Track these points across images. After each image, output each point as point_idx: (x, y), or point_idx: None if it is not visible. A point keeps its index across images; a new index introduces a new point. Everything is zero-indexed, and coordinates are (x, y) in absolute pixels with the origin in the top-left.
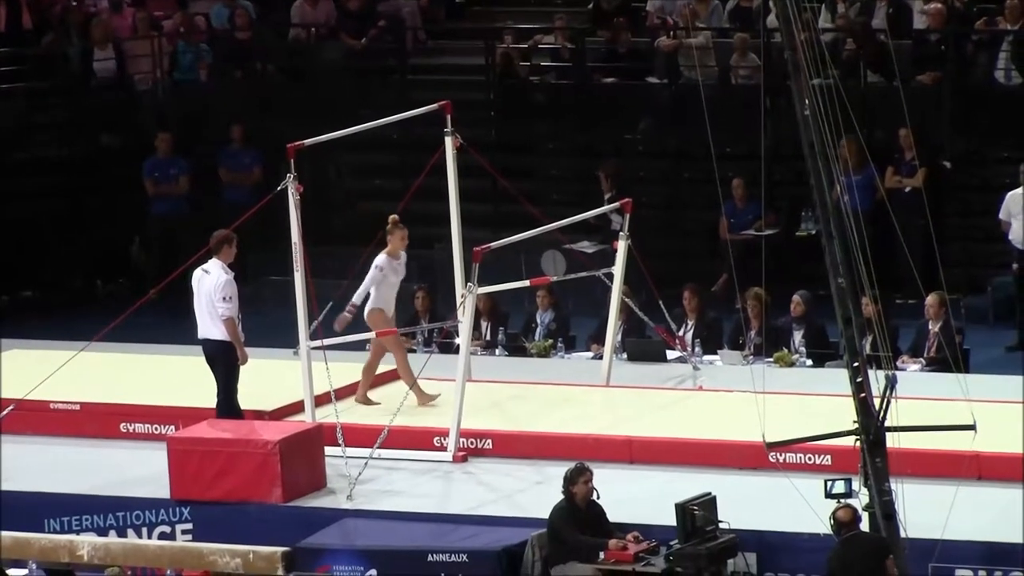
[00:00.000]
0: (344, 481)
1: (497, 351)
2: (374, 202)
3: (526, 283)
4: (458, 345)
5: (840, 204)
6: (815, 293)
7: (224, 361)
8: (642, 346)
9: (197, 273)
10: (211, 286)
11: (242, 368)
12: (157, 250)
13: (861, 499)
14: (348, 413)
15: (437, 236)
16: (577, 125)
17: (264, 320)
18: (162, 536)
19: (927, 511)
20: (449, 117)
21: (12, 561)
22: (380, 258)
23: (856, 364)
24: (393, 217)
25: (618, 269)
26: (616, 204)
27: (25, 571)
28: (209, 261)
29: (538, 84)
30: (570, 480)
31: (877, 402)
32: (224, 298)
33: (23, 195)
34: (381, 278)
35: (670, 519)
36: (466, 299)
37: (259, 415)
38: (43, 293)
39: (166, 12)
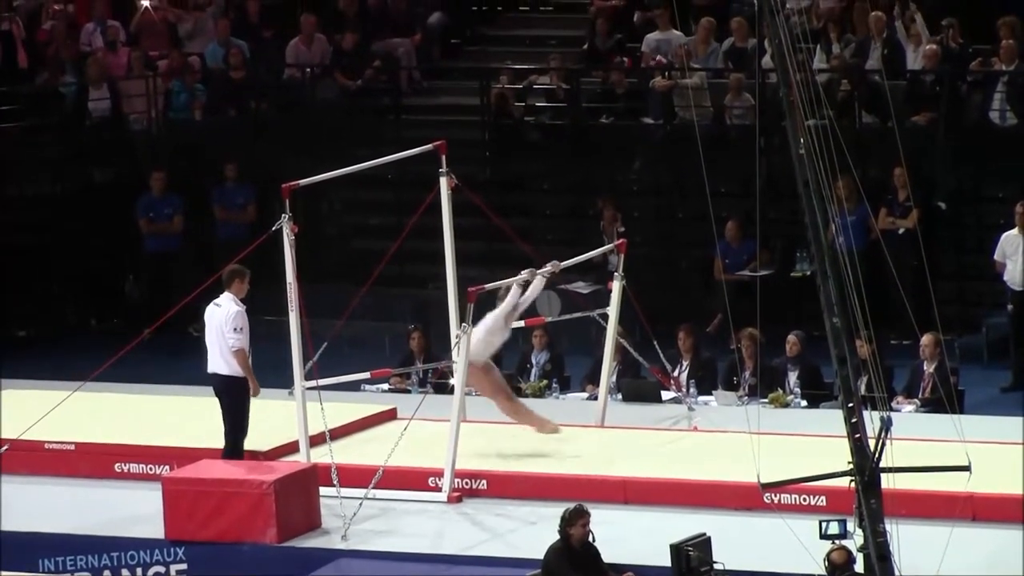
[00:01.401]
0: (339, 521)
1: None
2: (368, 240)
3: (521, 324)
4: (453, 385)
5: (835, 244)
6: (810, 334)
7: (231, 396)
8: (637, 387)
9: (209, 308)
10: (222, 318)
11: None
12: (151, 288)
13: (856, 540)
14: (343, 453)
15: (431, 275)
16: (571, 164)
17: (258, 360)
18: None
19: (922, 552)
20: (444, 157)
21: None
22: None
23: (851, 404)
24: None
25: (613, 310)
26: (611, 245)
27: None
28: (221, 295)
29: (533, 123)
30: (568, 521)
31: (872, 443)
32: (235, 329)
33: (16, 232)
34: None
35: (665, 560)
36: (461, 339)
37: (254, 455)
38: (37, 332)
39: (161, 51)
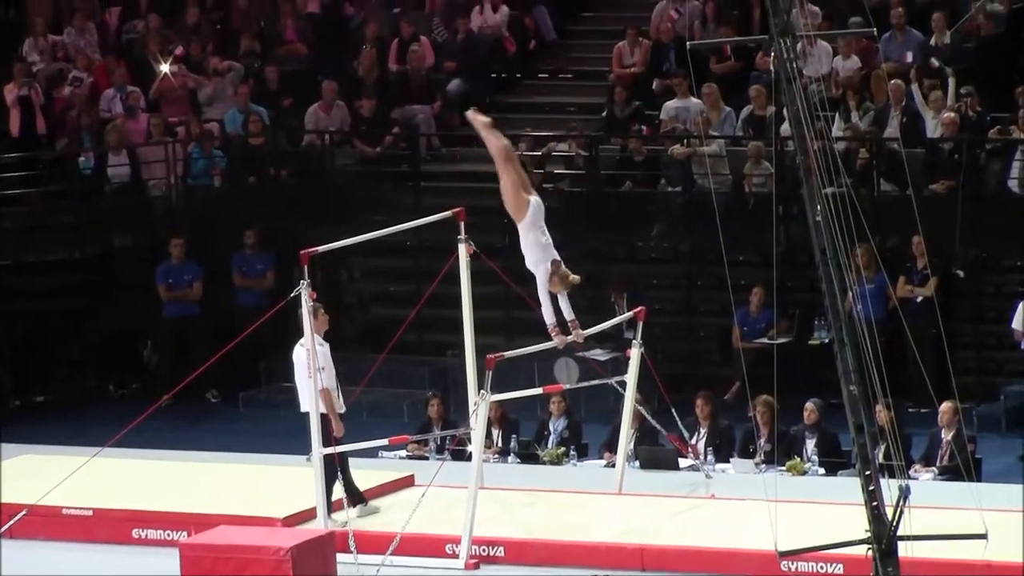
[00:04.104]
0: None
1: (509, 458)
2: (387, 307)
3: (539, 391)
4: (471, 452)
5: (853, 312)
6: (828, 402)
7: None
8: (655, 454)
9: (296, 349)
10: (306, 357)
11: (258, 473)
12: (169, 354)
13: None
14: (361, 520)
15: (450, 343)
16: (590, 231)
17: (277, 426)
18: None
19: None
20: (463, 224)
21: None
22: None
23: (868, 472)
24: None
25: (631, 377)
26: (630, 314)
27: None
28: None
29: (551, 191)
30: None
31: (890, 511)
32: (318, 368)
33: (35, 298)
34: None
35: None
36: (479, 406)
37: (271, 522)
38: (56, 397)
39: (180, 118)
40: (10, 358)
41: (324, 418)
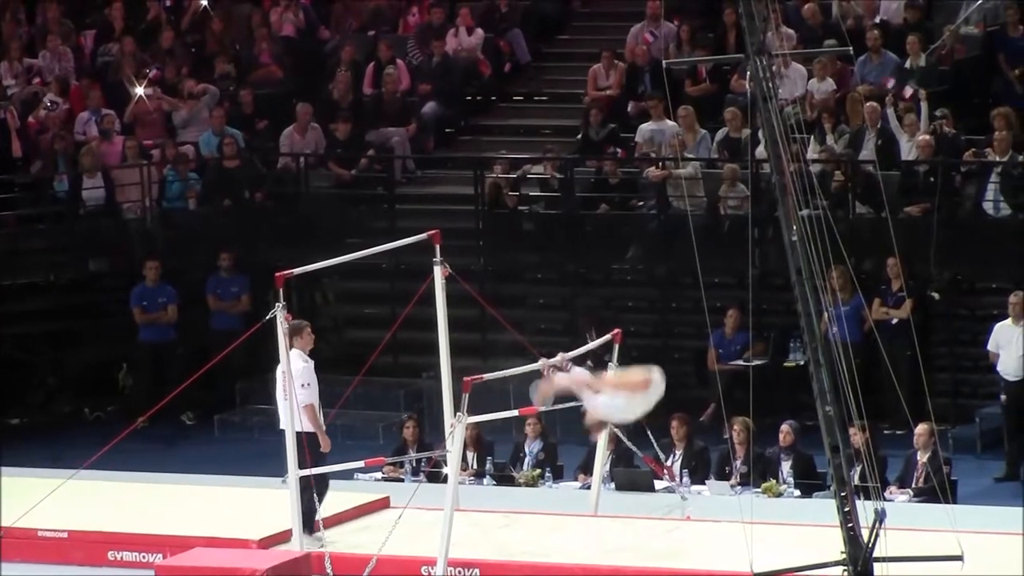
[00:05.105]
0: None
1: (485, 480)
2: (362, 330)
3: (515, 413)
4: (446, 475)
5: (828, 333)
6: (803, 424)
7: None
8: (630, 476)
9: (280, 366)
10: (284, 376)
11: (233, 495)
12: (144, 377)
13: None
14: (337, 542)
15: (425, 365)
16: (565, 254)
17: (252, 448)
18: None
19: None
20: (438, 246)
21: None
22: None
23: (844, 494)
24: None
25: None
26: (607, 336)
27: None
28: (290, 352)
29: (527, 213)
30: None
31: (865, 533)
32: (303, 385)
33: (10, 321)
34: None
35: None
36: (455, 429)
37: (246, 544)
38: (31, 420)
39: (155, 140)
40: None
41: (302, 437)
